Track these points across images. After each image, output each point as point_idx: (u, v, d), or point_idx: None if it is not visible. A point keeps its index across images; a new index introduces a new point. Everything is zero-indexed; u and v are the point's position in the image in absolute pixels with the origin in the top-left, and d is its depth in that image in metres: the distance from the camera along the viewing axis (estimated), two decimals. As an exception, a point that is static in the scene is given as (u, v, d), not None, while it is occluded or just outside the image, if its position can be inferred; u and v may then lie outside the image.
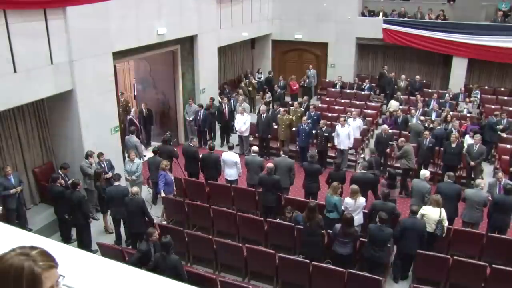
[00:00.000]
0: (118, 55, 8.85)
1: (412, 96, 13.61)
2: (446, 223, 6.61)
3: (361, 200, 6.91)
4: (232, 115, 11.55)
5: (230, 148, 8.78)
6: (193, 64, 11.99)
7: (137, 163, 8.31)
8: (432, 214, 6.52)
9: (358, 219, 6.84)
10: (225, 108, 11.63)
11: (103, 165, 8.05)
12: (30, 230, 6.78)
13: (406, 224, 6.26)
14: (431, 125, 10.49)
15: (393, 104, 12.63)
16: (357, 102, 13.82)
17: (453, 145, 9.13)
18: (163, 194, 7.74)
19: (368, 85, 14.78)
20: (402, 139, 9.39)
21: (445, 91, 13.67)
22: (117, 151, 8.98)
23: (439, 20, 14.76)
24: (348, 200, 6.88)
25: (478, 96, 13.52)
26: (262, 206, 7.74)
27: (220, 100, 12.07)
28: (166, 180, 7.71)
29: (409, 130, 10.71)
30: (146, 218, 6.91)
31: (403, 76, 14.73)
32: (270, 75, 15.34)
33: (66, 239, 7.41)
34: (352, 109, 12.23)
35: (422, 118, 11.20)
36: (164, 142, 9.07)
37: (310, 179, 8.11)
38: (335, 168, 8.10)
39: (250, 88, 14.26)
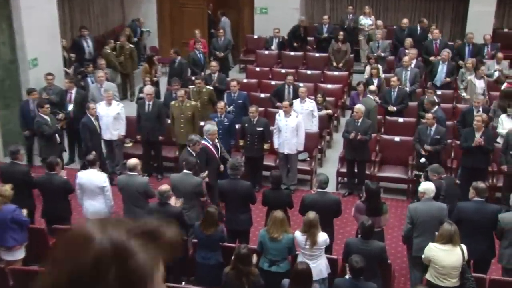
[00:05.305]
0: None
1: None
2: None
3: (322, 237, 6.97)
4: (81, 107, 11.13)
5: (91, 163, 8.66)
6: (9, 15, 11.50)
7: None
8: (446, 258, 6.57)
9: (320, 269, 6.89)
10: (69, 97, 11.43)
11: None
12: None
13: None
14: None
15: (367, 71, 13.08)
16: (308, 72, 14.07)
17: (478, 134, 9.33)
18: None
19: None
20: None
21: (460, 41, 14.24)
22: None
23: None
24: (298, 236, 7.00)
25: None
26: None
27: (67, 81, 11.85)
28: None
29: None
30: None
31: (379, 23, 15.10)
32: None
33: None
34: (300, 85, 12.25)
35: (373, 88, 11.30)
36: None
37: (234, 208, 8.18)
38: (272, 184, 8.21)
39: (121, 57, 14.12)
